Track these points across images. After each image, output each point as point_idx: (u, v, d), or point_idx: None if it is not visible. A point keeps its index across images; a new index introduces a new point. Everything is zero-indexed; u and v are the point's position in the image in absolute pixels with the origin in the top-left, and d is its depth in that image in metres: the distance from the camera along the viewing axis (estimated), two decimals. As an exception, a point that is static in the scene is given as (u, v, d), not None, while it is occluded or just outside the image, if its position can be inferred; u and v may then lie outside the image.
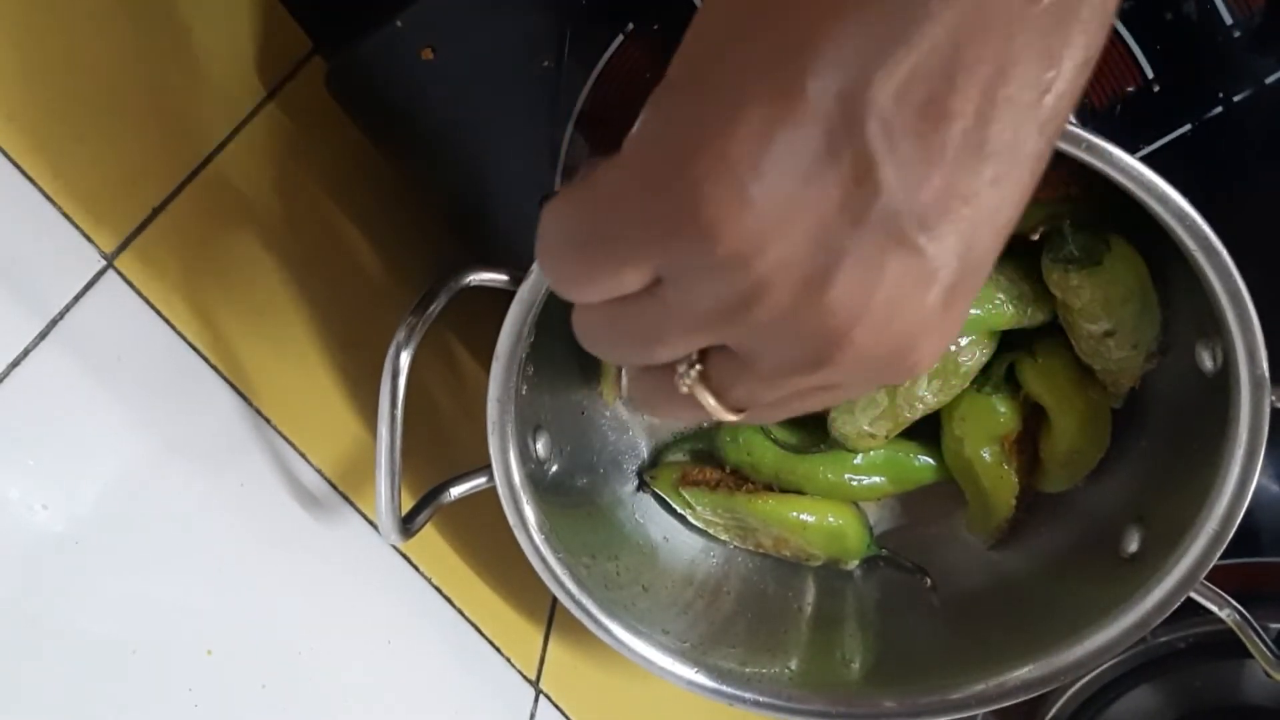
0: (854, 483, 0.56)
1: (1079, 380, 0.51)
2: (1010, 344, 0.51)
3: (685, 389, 0.26)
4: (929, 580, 0.55)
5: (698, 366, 0.26)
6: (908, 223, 0.22)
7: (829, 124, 0.21)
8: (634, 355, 0.27)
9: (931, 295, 0.23)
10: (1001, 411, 0.52)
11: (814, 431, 0.55)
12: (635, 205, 0.23)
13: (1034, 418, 0.53)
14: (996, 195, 0.22)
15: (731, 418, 0.27)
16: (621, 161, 0.23)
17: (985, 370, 0.51)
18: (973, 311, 0.48)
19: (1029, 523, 0.55)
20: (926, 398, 0.51)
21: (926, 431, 0.55)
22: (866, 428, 0.53)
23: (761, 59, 0.21)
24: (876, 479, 0.56)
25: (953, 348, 0.50)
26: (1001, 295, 0.49)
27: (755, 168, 0.21)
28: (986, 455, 0.53)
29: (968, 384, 0.51)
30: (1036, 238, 0.46)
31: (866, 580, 0.58)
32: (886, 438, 0.53)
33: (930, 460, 0.56)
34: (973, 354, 0.50)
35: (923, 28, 0.21)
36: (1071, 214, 0.46)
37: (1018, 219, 0.23)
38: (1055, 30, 0.21)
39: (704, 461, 0.58)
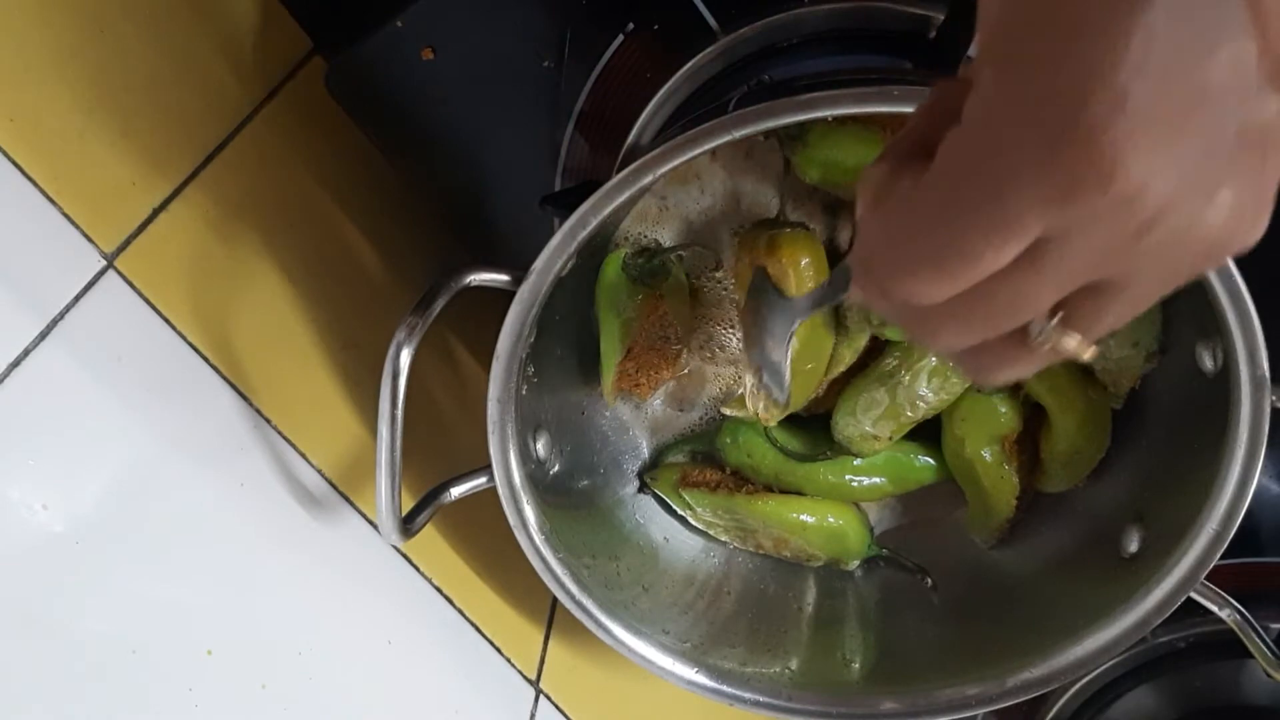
0: (854, 483, 0.56)
1: (1079, 380, 0.51)
2: None
3: (1045, 345, 0.24)
4: (929, 580, 0.55)
5: (1058, 316, 0.24)
6: (1276, 133, 0.21)
7: (1248, 110, 0.21)
8: (991, 331, 0.24)
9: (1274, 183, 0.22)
10: (1002, 411, 0.52)
11: (818, 438, 0.55)
12: (1015, 165, 0.21)
13: (1034, 418, 0.53)
14: None
15: (1089, 354, 0.25)
16: (974, 130, 0.22)
17: None
18: None
19: (1029, 523, 0.55)
20: (928, 397, 0.51)
21: (927, 433, 0.55)
22: (869, 429, 0.53)
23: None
24: (877, 479, 0.56)
25: None
26: None
27: (1137, 94, 0.20)
28: (987, 455, 0.53)
29: (969, 383, 0.51)
30: None
31: (867, 580, 0.58)
32: (890, 439, 0.53)
33: (930, 461, 0.56)
34: None
35: None
36: None
37: None
38: None
39: (704, 463, 0.58)
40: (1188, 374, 0.46)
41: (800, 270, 0.47)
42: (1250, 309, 0.40)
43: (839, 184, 0.48)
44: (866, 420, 0.52)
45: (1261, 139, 0.21)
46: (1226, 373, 0.42)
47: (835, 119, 0.46)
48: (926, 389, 0.51)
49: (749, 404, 0.52)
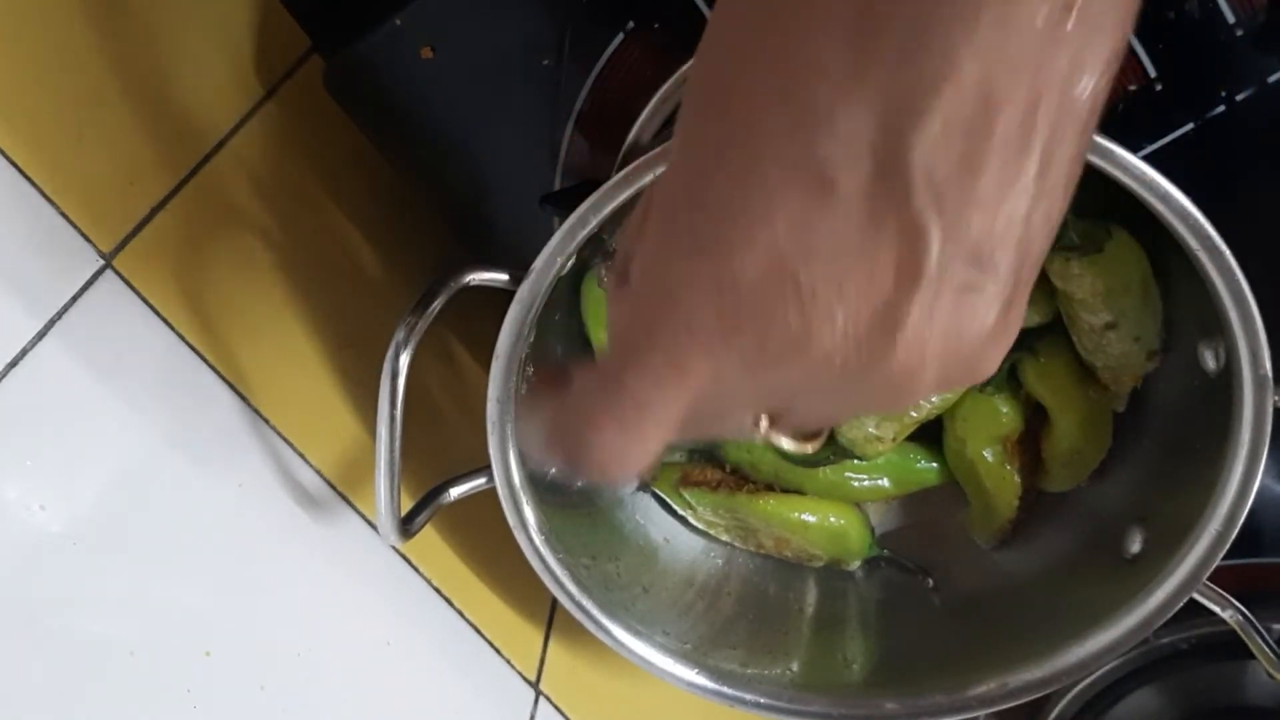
0: (855, 483, 0.56)
1: (1080, 380, 0.50)
2: (1013, 344, 0.51)
3: (759, 437, 0.27)
4: (931, 581, 0.55)
5: (765, 420, 0.26)
6: (963, 266, 0.22)
7: (867, 202, 0.21)
8: (697, 436, 0.27)
9: (993, 315, 0.23)
10: (1004, 412, 0.52)
11: (825, 443, 0.55)
12: (673, 317, 0.23)
13: (1036, 418, 0.53)
14: (1045, 207, 0.22)
15: (810, 447, 0.28)
16: (642, 278, 0.24)
17: None
18: None
19: (1031, 523, 0.55)
20: (931, 398, 0.51)
21: (929, 434, 0.55)
22: (873, 430, 0.52)
23: (781, 144, 0.21)
24: (879, 480, 0.56)
25: None
26: None
27: (798, 258, 0.21)
28: (989, 456, 0.53)
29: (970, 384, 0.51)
30: None
31: (868, 581, 0.58)
32: (894, 441, 0.53)
33: (933, 463, 0.55)
34: None
35: (948, 84, 0.20)
36: (1073, 202, 0.45)
37: (1054, 212, 0.23)
38: (1083, 45, 0.20)
39: (704, 461, 0.58)
40: (1190, 374, 0.45)
41: None
42: (1253, 308, 0.40)
43: None
44: (870, 422, 0.52)
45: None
46: (1229, 372, 0.42)
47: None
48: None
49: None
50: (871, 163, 0.20)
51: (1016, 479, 0.53)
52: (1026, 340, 0.51)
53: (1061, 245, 0.46)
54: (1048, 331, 0.50)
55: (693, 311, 0.23)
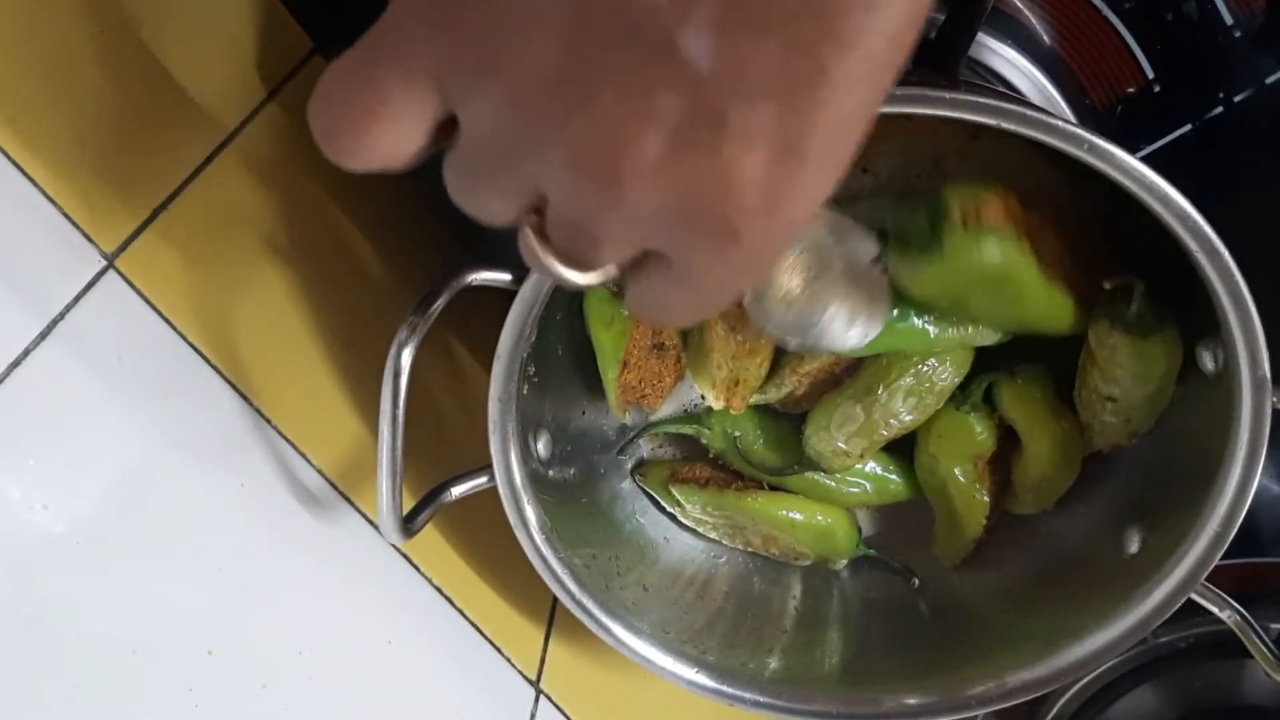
0: (830, 484, 0.56)
1: (1055, 409, 0.51)
2: (989, 364, 0.51)
3: (525, 245, 0.25)
4: (916, 581, 0.55)
5: (531, 218, 0.25)
6: (688, 51, 0.19)
7: None
8: (471, 204, 0.26)
9: (732, 141, 0.19)
10: (978, 431, 0.52)
11: (792, 451, 0.55)
12: (407, 15, 0.22)
13: (1007, 441, 0.53)
14: (809, 63, 0.19)
15: (584, 278, 0.25)
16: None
17: (963, 388, 0.51)
18: (947, 332, 0.48)
19: (1031, 524, 0.55)
20: (903, 416, 0.51)
21: (904, 448, 0.55)
22: (842, 445, 0.53)
23: None
24: (858, 484, 0.56)
25: (927, 366, 0.50)
26: None
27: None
28: (960, 474, 0.53)
29: (943, 403, 0.51)
30: (1109, 286, 0.45)
31: (867, 582, 0.58)
32: (861, 457, 0.53)
33: (900, 479, 0.56)
34: (948, 372, 0.50)
35: None
36: (1146, 281, 0.45)
37: (866, 115, 0.20)
38: None
39: (693, 459, 0.58)
40: (1189, 375, 0.46)
41: None
42: (1251, 310, 0.40)
43: None
44: (840, 435, 0.52)
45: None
46: (1228, 374, 0.42)
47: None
48: (902, 407, 0.51)
49: (713, 398, 0.52)
50: None
51: (985, 499, 0.53)
52: (1006, 363, 0.51)
53: (1115, 314, 0.45)
54: (1029, 357, 0.51)
55: (418, 13, 0.22)
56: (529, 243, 0.25)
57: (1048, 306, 0.44)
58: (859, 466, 0.55)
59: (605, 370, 0.52)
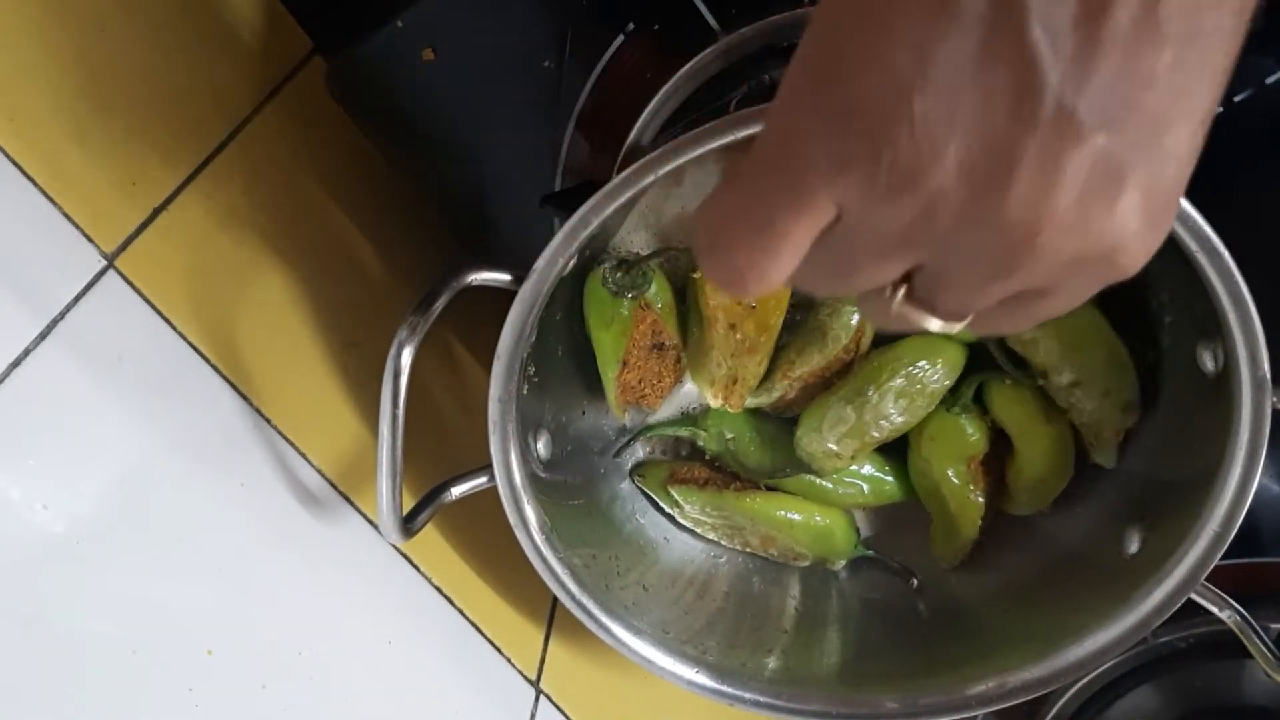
0: (827, 485, 0.56)
1: (1045, 411, 0.51)
2: (980, 365, 0.51)
3: (896, 310, 0.26)
4: (915, 581, 0.55)
5: (903, 288, 0.26)
6: (1083, 117, 0.21)
7: (985, 27, 0.21)
8: (838, 287, 0.26)
9: (1125, 189, 0.22)
10: (970, 432, 0.52)
11: (785, 453, 0.55)
12: (798, 143, 0.23)
13: (1001, 442, 0.53)
14: (1180, 79, 0.21)
15: (955, 327, 0.27)
16: (776, 108, 0.24)
17: (955, 390, 0.51)
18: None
19: (1030, 523, 0.55)
20: (894, 417, 0.51)
21: (900, 450, 0.55)
22: (833, 446, 0.53)
23: None
24: (854, 485, 0.56)
25: (918, 368, 0.50)
26: None
27: (915, 82, 0.21)
28: (953, 476, 0.53)
29: (934, 404, 0.51)
30: None
31: (867, 582, 0.58)
32: (853, 459, 0.53)
33: (896, 480, 0.56)
34: (939, 374, 0.50)
35: None
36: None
37: (1215, 104, 0.22)
38: None
39: (692, 460, 0.58)
40: (1189, 375, 0.46)
41: None
42: (1251, 310, 0.40)
43: None
44: (831, 437, 0.53)
45: (1061, 126, 0.21)
46: (1228, 374, 0.42)
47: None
48: (893, 409, 0.51)
49: (711, 396, 0.53)
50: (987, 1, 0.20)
51: (980, 500, 0.53)
52: (996, 364, 0.51)
53: None
54: (1020, 361, 0.51)
55: (813, 140, 0.23)
56: (901, 309, 0.26)
57: None
58: (854, 468, 0.55)
59: (605, 370, 0.52)
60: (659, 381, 0.54)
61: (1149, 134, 0.22)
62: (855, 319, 0.52)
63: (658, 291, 0.51)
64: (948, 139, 0.22)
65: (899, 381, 0.50)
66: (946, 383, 0.51)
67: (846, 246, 0.25)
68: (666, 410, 0.58)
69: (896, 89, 0.21)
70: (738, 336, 0.51)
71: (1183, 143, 0.22)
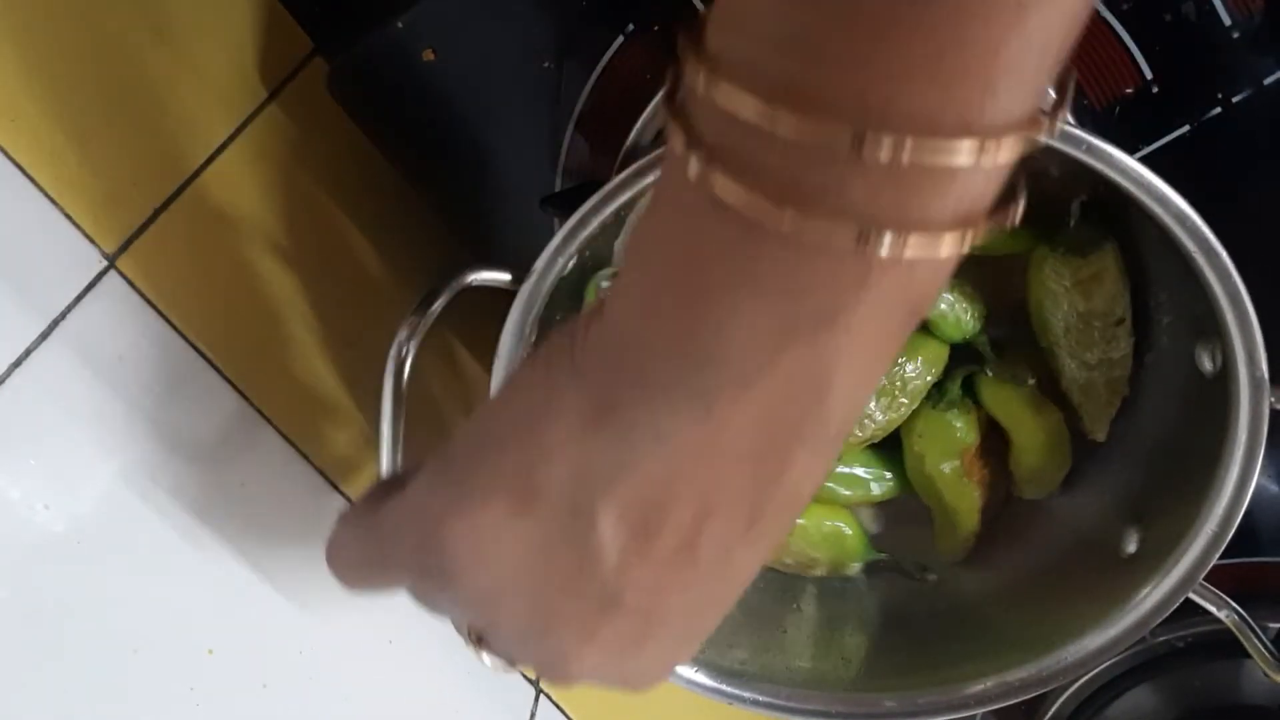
0: (827, 484, 0.56)
1: (1034, 399, 0.51)
2: (965, 359, 0.51)
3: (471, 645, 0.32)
4: (934, 576, 0.55)
5: (474, 637, 0.32)
6: (622, 601, 0.26)
7: (560, 525, 0.26)
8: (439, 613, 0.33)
9: (645, 649, 0.28)
10: (958, 427, 0.52)
11: None
12: (404, 541, 0.29)
13: (997, 432, 0.53)
14: (705, 591, 0.28)
15: (499, 669, 0.33)
16: (403, 505, 0.29)
17: (940, 386, 0.51)
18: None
19: (1029, 524, 0.55)
20: (876, 416, 0.51)
21: (896, 443, 0.55)
22: None
23: (513, 465, 0.26)
24: (851, 482, 0.56)
25: (895, 365, 0.50)
26: (950, 298, 0.49)
27: (494, 542, 0.26)
28: (946, 470, 0.53)
29: (917, 403, 0.51)
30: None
31: (866, 582, 0.58)
32: (840, 459, 0.53)
33: (894, 475, 0.56)
34: (918, 370, 0.50)
35: (643, 462, 0.24)
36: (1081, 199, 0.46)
37: (731, 600, 0.29)
38: (764, 473, 0.25)
39: None
40: (1187, 375, 0.46)
41: None
42: (1249, 310, 0.40)
43: None
44: None
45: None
46: (1226, 374, 0.42)
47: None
48: (875, 407, 0.51)
49: None
50: (570, 503, 0.26)
51: (976, 493, 0.53)
52: (980, 357, 0.51)
53: (1069, 249, 0.46)
54: (1004, 350, 0.51)
55: (401, 526, 0.29)
56: (477, 650, 0.32)
57: None
58: (846, 469, 0.55)
59: None
60: None
61: (671, 621, 0.27)
62: None
63: None
64: (509, 589, 0.27)
65: (880, 380, 0.50)
66: (928, 378, 0.51)
67: (425, 597, 0.31)
68: None
69: (477, 542, 0.27)
70: None
71: (694, 626, 0.29)
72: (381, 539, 0.30)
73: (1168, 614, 0.45)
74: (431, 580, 0.29)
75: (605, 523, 0.25)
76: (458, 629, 0.32)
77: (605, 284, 0.50)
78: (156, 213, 0.42)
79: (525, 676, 0.56)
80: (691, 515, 0.25)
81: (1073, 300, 0.48)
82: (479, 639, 0.31)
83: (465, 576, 0.27)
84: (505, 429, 0.27)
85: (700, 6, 0.44)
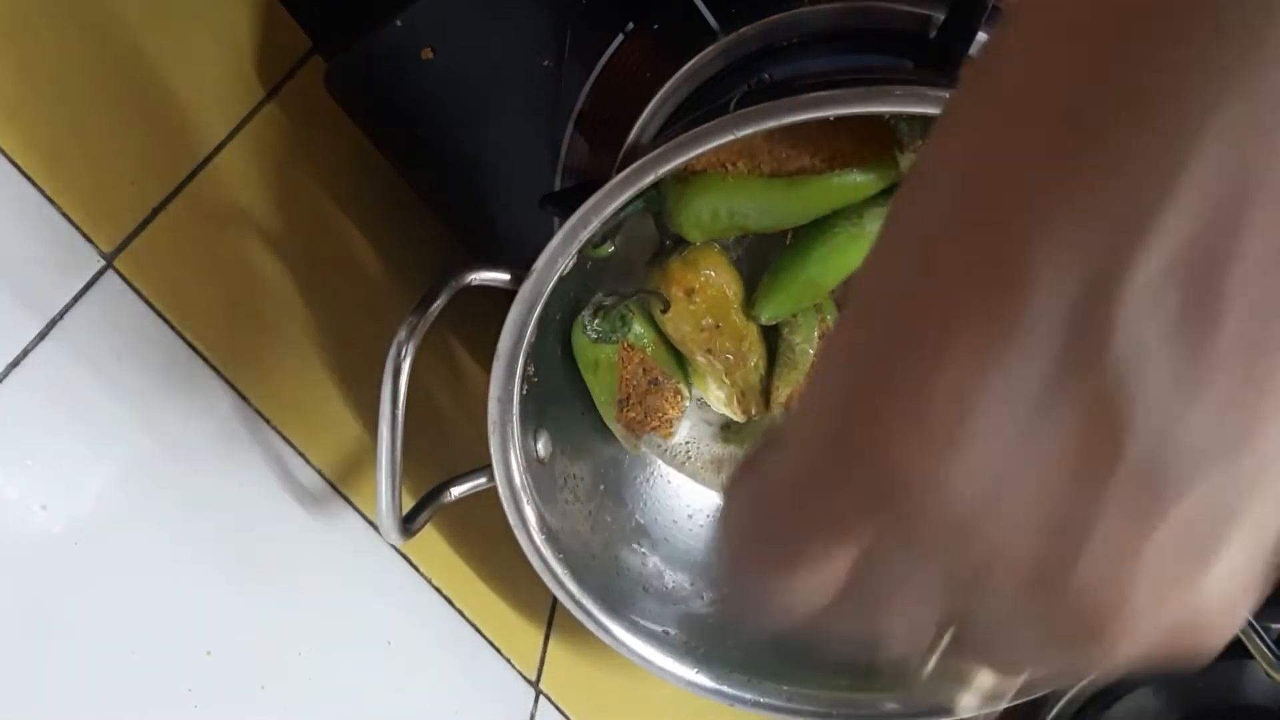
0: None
1: None
2: None
3: (939, 666, 0.22)
4: None
5: (945, 637, 0.21)
6: (1179, 470, 0.16)
7: (1057, 353, 0.16)
8: (860, 627, 0.22)
9: (1220, 554, 0.17)
10: None
11: None
12: (824, 482, 0.19)
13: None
14: None
15: (1013, 682, 0.22)
16: (798, 430, 0.20)
17: None
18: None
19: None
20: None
21: None
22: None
23: (963, 278, 0.17)
24: None
25: None
26: None
27: (963, 422, 0.17)
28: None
29: None
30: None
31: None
32: None
33: None
34: None
35: (1177, 203, 0.15)
36: None
37: None
38: None
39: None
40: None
41: (705, 284, 0.50)
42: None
43: (728, 231, 0.48)
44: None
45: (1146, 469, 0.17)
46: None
47: (680, 174, 0.46)
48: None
49: (734, 414, 0.53)
50: (1068, 308, 0.16)
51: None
52: None
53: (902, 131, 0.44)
54: None
55: (840, 477, 0.19)
56: (946, 659, 0.22)
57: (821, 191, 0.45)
58: None
59: (604, 412, 0.53)
60: (663, 414, 0.54)
61: (1263, 475, 0.17)
62: (817, 331, 0.52)
63: (641, 332, 0.51)
64: (1001, 496, 0.17)
65: None
66: None
67: (879, 578, 0.20)
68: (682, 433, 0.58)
69: (939, 431, 0.17)
70: (725, 356, 0.52)
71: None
72: (784, 493, 0.20)
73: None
74: (874, 525, 0.19)
75: (1126, 326, 0.16)
76: (913, 647, 0.22)
77: (587, 322, 0.50)
78: (155, 212, 0.42)
79: (524, 677, 0.56)
80: (1265, 261, 0.15)
81: None
82: (961, 643, 0.21)
83: (930, 494, 0.17)
84: (942, 230, 0.17)
85: (700, 7, 0.44)
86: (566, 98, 0.48)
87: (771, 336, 0.54)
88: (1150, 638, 0.18)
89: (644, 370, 0.52)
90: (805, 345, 0.52)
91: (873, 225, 0.47)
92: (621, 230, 0.48)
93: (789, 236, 0.50)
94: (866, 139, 0.45)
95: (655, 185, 0.40)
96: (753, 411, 0.53)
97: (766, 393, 0.54)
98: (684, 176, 0.46)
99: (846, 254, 0.48)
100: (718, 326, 0.51)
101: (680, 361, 0.54)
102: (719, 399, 0.53)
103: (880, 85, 0.37)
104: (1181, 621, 0.18)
